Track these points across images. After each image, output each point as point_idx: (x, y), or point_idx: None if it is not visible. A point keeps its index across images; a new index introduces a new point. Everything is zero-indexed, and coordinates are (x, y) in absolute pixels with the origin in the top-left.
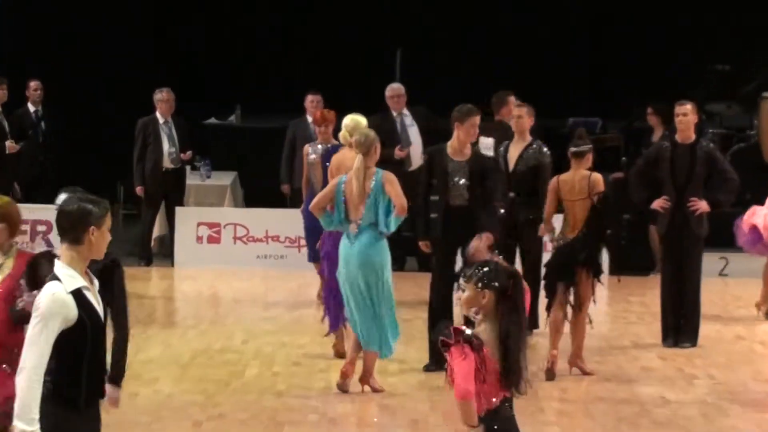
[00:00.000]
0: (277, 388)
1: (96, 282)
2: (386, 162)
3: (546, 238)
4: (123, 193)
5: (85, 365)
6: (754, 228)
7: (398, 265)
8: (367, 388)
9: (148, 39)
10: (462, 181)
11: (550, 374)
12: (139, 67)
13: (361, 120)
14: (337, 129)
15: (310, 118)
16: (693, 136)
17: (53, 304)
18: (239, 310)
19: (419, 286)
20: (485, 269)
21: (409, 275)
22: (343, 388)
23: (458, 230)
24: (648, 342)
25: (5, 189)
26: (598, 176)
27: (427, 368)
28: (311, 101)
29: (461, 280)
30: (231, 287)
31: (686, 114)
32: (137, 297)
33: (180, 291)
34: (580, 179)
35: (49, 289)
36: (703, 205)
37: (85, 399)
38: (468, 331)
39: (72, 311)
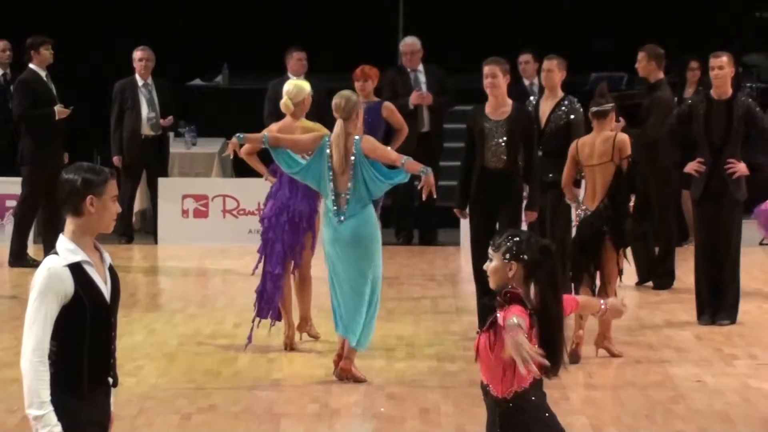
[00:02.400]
0: (273, 376)
1: (107, 258)
2: (401, 113)
3: (572, 206)
4: (99, 163)
5: (87, 348)
6: None
7: (405, 238)
8: (372, 376)
9: None
10: (499, 142)
11: (575, 357)
12: (115, 24)
13: (305, 86)
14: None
15: (293, 78)
16: (730, 92)
17: (48, 279)
18: (230, 291)
19: (427, 261)
20: (516, 239)
21: (416, 249)
22: (339, 377)
23: (495, 196)
24: (682, 320)
25: None
26: (624, 137)
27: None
28: (298, 59)
29: (490, 249)
30: (221, 266)
31: (722, 67)
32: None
33: (164, 271)
34: (603, 141)
35: (45, 263)
36: (741, 168)
37: (89, 385)
38: (523, 301)
39: (68, 287)
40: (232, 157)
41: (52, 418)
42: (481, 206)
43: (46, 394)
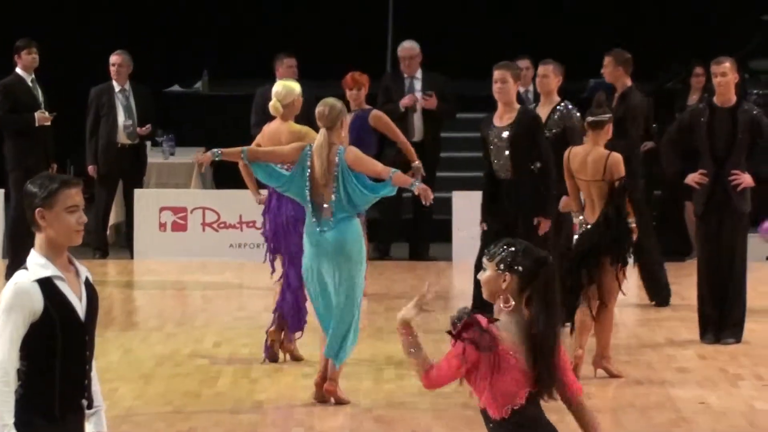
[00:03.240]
0: (256, 398)
1: (84, 273)
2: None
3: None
4: (73, 172)
5: (59, 368)
6: None
7: (382, 252)
8: (359, 397)
9: None
10: (503, 150)
11: None
12: (92, 26)
13: (295, 87)
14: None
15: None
16: (733, 99)
17: (14, 295)
18: (210, 309)
19: (418, 277)
20: (511, 248)
21: (406, 264)
22: (322, 398)
23: (507, 207)
24: (685, 338)
25: None
26: (617, 158)
27: None
28: (288, 66)
29: (484, 258)
30: (200, 282)
31: (725, 73)
32: None
33: (141, 287)
34: (595, 160)
35: (13, 278)
36: (746, 179)
37: (61, 407)
38: (480, 327)
39: (37, 303)
40: (203, 171)
41: None
42: (493, 218)
43: (9, 416)
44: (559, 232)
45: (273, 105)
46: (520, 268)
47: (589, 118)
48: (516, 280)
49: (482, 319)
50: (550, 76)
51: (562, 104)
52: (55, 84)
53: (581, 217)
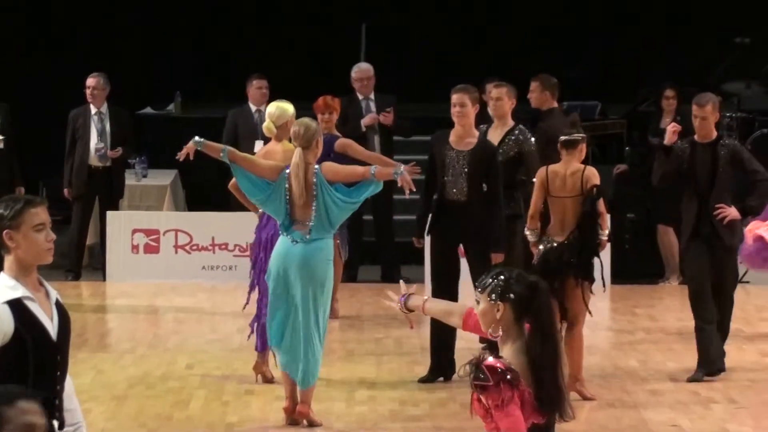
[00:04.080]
0: (228, 420)
1: (53, 294)
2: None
3: (529, 238)
4: (46, 195)
5: (30, 387)
6: (760, 238)
7: (350, 274)
8: (331, 420)
9: (74, 15)
10: (461, 174)
11: None
12: (67, 48)
13: (288, 108)
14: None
15: (253, 107)
16: (714, 134)
17: None
18: (182, 331)
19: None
20: (500, 277)
21: (375, 287)
22: (294, 422)
23: (455, 230)
24: (658, 361)
25: None
26: (592, 170)
27: (424, 380)
28: (258, 87)
29: (476, 292)
30: (172, 304)
31: (705, 117)
32: None
33: (113, 309)
34: (572, 173)
35: None
36: (732, 212)
37: None
38: (500, 366)
39: (7, 324)
40: (182, 159)
41: None
42: (440, 240)
43: None
44: (511, 253)
45: (267, 126)
46: (512, 296)
47: (563, 138)
48: (510, 309)
49: (495, 360)
50: (504, 99)
51: (518, 129)
52: (29, 107)
53: (546, 238)
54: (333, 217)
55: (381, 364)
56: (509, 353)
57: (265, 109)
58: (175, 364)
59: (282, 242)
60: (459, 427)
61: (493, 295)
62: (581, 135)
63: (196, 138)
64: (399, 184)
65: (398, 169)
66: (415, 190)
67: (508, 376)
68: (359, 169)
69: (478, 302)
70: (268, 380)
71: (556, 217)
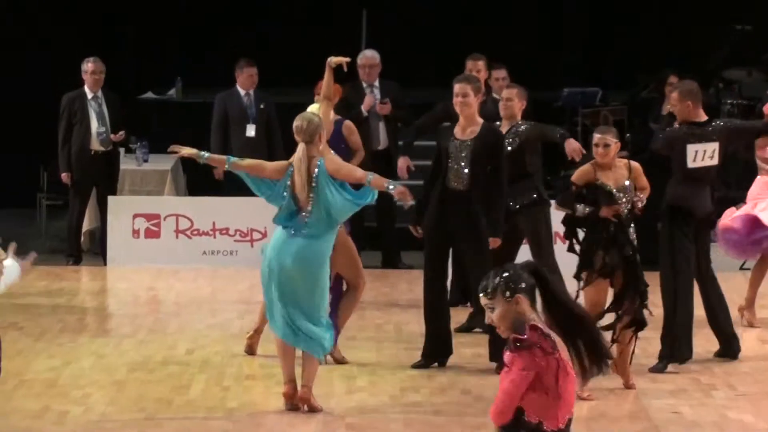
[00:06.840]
0: (228, 405)
1: None
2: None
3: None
4: (47, 180)
5: None
6: (730, 229)
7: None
8: (331, 405)
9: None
10: (462, 163)
11: None
12: (62, 33)
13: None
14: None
15: (242, 91)
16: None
17: None
18: (183, 316)
19: (390, 285)
20: (504, 275)
21: (378, 272)
22: (294, 407)
23: (454, 219)
24: (657, 347)
25: None
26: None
27: (417, 365)
28: (249, 75)
29: (484, 299)
30: (173, 289)
31: (674, 105)
32: (65, 301)
33: (114, 294)
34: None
35: None
36: None
37: None
38: (542, 329)
39: None
40: (170, 151)
41: None
42: (438, 228)
43: None
44: (534, 240)
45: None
46: (524, 285)
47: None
48: (525, 297)
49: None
50: (515, 99)
51: (515, 125)
52: (25, 92)
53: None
54: (334, 212)
55: (381, 350)
56: None
57: (253, 93)
58: (175, 348)
59: (280, 232)
60: (459, 412)
61: (508, 292)
62: (615, 140)
63: (202, 153)
64: (396, 198)
65: (390, 185)
66: (414, 203)
67: (548, 340)
68: (358, 172)
69: (492, 309)
70: (339, 361)
71: None
